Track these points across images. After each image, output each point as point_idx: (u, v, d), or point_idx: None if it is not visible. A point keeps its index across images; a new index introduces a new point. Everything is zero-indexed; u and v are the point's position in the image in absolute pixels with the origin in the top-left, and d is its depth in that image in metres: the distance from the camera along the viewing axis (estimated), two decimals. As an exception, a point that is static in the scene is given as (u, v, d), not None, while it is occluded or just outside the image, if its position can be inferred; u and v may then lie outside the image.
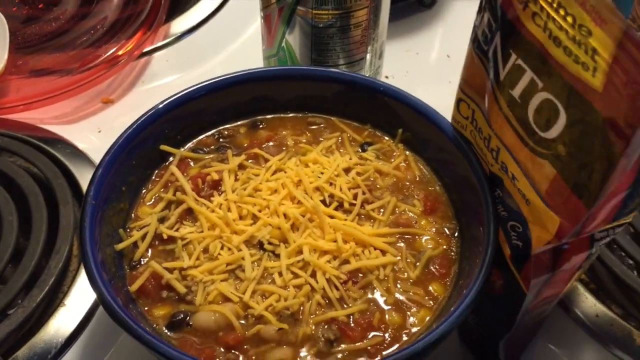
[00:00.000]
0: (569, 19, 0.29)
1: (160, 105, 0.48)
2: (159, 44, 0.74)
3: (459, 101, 0.44)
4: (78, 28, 0.72)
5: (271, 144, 0.51)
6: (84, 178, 0.59)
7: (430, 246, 0.46)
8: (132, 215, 0.47)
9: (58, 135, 0.64)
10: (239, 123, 0.53)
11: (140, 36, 0.71)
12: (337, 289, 0.42)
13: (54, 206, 0.56)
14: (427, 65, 0.74)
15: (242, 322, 0.41)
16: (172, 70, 0.72)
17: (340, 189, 0.47)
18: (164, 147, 0.49)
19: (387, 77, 0.71)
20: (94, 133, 0.66)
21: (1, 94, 0.66)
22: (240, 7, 0.78)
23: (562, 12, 0.29)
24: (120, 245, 0.44)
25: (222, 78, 0.50)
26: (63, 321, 0.50)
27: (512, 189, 0.40)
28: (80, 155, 0.62)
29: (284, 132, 0.52)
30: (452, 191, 0.48)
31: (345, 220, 0.46)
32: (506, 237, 0.42)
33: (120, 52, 0.69)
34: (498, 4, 0.34)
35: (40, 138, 0.63)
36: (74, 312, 0.51)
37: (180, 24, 0.77)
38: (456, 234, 0.47)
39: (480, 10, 0.37)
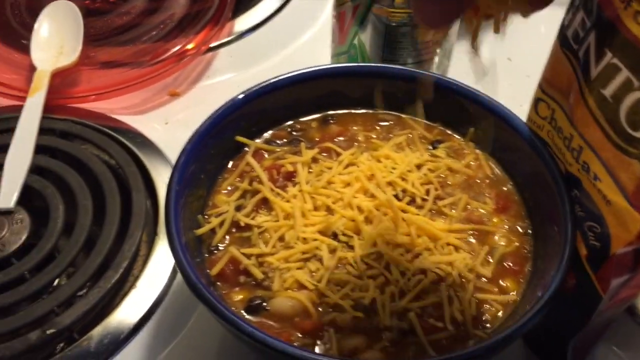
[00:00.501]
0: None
1: (239, 97, 0.49)
2: (224, 40, 0.76)
3: (537, 100, 0.44)
4: (148, 22, 0.74)
5: (342, 138, 0.52)
6: (154, 166, 0.61)
7: (502, 243, 0.46)
8: (210, 203, 0.48)
9: (128, 125, 0.66)
10: (310, 117, 0.54)
11: (207, 32, 0.73)
12: (410, 280, 0.43)
13: (127, 193, 0.58)
14: (488, 68, 0.74)
15: (319, 309, 0.42)
16: (235, 67, 0.74)
17: (413, 185, 0.48)
18: (239, 138, 0.51)
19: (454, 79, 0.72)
20: (161, 124, 0.68)
21: (74, 84, 0.68)
22: (304, 5, 0.80)
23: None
24: (200, 230, 0.46)
25: (298, 73, 0.51)
26: (135, 303, 0.52)
27: (591, 190, 0.41)
28: (149, 145, 0.64)
29: (354, 128, 0.53)
30: (524, 190, 0.49)
31: (418, 215, 0.46)
32: (583, 238, 0.42)
33: (188, 47, 0.71)
34: (595, 3, 0.34)
35: (111, 127, 0.65)
36: (145, 294, 0.52)
37: (245, 20, 0.78)
38: (529, 232, 0.47)
39: (571, 9, 0.37)
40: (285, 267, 0.44)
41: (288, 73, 0.51)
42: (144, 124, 0.67)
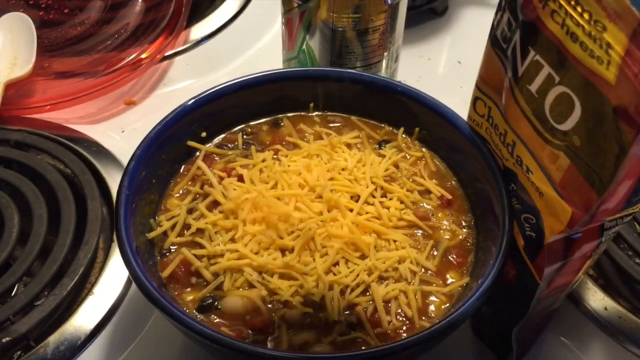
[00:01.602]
0: (586, 15, 0.31)
1: (188, 103, 0.50)
2: (180, 48, 0.76)
3: (475, 99, 0.46)
4: (102, 32, 0.74)
5: (291, 139, 0.54)
6: (109, 174, 0.61)
7: (447, 237, 0.48)
8: (162, 207, 0.49)
9: (83, 134, 0.66)
10: (261, 121, 0.55)
11: (162, 41, 0.74)
12: (358, 276, 0.44)
13: (82, 201, 0.58)
14: (438, 71, 0.76)
15: (269, 306, 0.43)
16: (192, 74, 0.75)
17: (359, 180, 0.49)
18: (190, 143, 0.52)
19: (400, 81, 0.73)
20: (117, 133, 0.68)
21: (28, 95, 0.68)
22: (258, 13, 0.81)
23: (579, 9, 0.32)
24: (152, 234, 0.46)
25: (246, 78, 0.52)
26: (91, 309, 0.52)
27: (526, 183, 0.43)
28: (105, 154, 0.64)
29: (304, 130, 0.55)
30: (467, 185, 0.51)
31: (367, 213, 0.48)
32: (520, 229, 0.44)
33: (142, 56, 0.72)
34: (518, 4, 0.36)
35: (67, 137, 0.65)
36: (101, 301, 0.53)
37: (200, 29, 0.79)
38: (472, 225, 0.49)
39: (499, 10, 0.39)
40: (235, 265, 0.45)
41: (236, 79, 0.52)
42: (101, 132, 0.67)
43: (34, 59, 0.68)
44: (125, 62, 0.71)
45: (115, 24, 0.76)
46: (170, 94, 0.73)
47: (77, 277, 0.52)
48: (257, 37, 0.78)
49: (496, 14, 0.41)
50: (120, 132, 0.68)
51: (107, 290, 0.53)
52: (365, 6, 0.53)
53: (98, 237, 0.55)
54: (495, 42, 0.41)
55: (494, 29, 0.41)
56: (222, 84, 0.52)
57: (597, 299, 0.53)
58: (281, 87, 0.54)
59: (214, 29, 0.79)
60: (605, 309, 0.52)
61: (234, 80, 0.52)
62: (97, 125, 0.69)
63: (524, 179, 0.42)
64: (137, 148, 0.47)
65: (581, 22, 0.32)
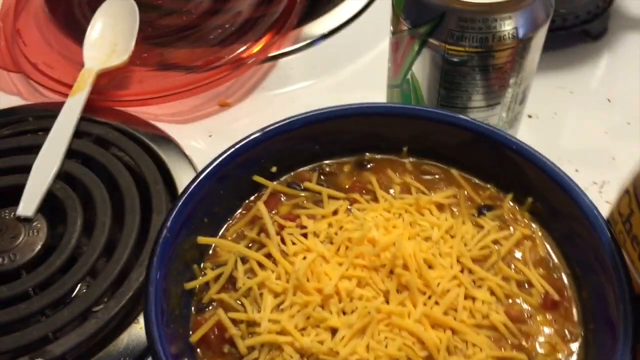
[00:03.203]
0: None
1: (257, 134, 0.44)
2: (287, 49, 0.70)
3: (625, 192, 0.35)
4: (208, 24, 0.70)
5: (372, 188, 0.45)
6: (183, 185, 0.57)
7: (542, 351, 0.38)
8: (211, 250, 0.43)
9: (169, 136, 0.62)
10: (344, 159, 0.47)
11: (268, 39, 0.67)
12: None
13: (149, 211, 0.54)
14: (580, 108, 0.63)
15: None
16: (293, 80, 0.68)
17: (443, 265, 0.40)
18: (256, 178, 0.45)
19: (530, 116, 0.62)
20: (204, 137, 0.63)
21: (121, 86, 0.65)
22: (376, 19, 0.72)
23: None
24: (190, 284, 0.40)
25: (329, 110, 0.45)
26: (137, 336, 0.48)
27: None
28: (185, 161, 0.59)
29: (391, 178, 0.46)
30: (582, 287, 0.40)
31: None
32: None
33: (244, 55, 0.66)
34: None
35: (151, 135, 0.61)
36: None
37: (313, 28, 0.72)
38: (579, 342, 0.38)
39: None
40: (275, 341, 0.38)
41: (317, 110, 0.44)
42: (187, 134, 0.63)
43: (132, 48, 0.65)
44: (226, 59, 0.66)
45: (223, 15, 0.70)
46: (268, 99, 0.67)
47: (124, 300, 0.48)
48: (371, 45, 0.70)
49: None
50: (207, 137, 0.63)
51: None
52: (487, 39, 0.43)
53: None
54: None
55: None
56: (301, 115, 0.44)
57: None
58: (371, 122, 0.46)
59: (328, 29, 0.71)
60: None
61: (313, 112, 0.44)
62: (185, 126, 0.64)
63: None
64: (190, 182, 0.42)
65: None
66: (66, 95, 0.63)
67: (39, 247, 0.52)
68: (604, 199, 0.54)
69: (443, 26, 0.44)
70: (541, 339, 0.38)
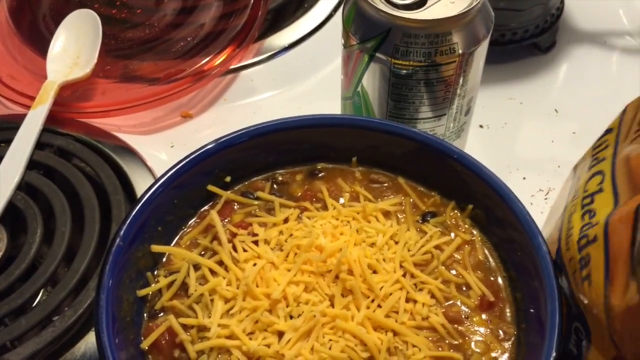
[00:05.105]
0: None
1: (211, 146, 0.45)
2: (249, 61, 0.72)
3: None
4: (171, 37, 0.71)
5: (322, 196, 0.47)
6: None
7: (478, 350, 0.40)
8: (165, 258, 0.44)
9: (130, 147, 0.63)
10: (296, 169, 0.49)
11: (230, 52, 0.69)
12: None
13: (109, 220, 0.55)
14: (529, 118, 0.66)
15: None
16: (256, 91, 0.70)
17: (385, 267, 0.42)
18: (211, 188, 0.47)
19: (481, 126, 0.64)
20: (166, 147, 0.65)
21: (84, 98, 0.66)
22: (337, 33, 0.74)
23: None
24: (142, 292, 0.42)
25: (282, 121, 0.46)
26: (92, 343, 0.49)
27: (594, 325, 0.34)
28: (146, 171, 0.61)
29: (341, 186, 0.48)
30: (517, 288, 0.42)
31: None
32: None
33: (206, 67, 0.68)
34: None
35: (112, 146, 0.62)
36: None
37: (274, 41, 0.74)
38: (512, 340, 0.40)
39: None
40: (224, 345, 0.39)
41: (269, 122, 0.46)
42: (149, 145, 0.64)
43: (95, 61, 0.66)
44: (188, 71, 0.67)
45: (185, 29, 0.72)
46: (230, 110, 0.68)
47: (81, 310, 0.49)
48: (330, 58, 0.71)
49: None
50: (169, 147, 0.65)
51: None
52: (431, 54, 0.45)
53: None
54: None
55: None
56: (252, 126, 0.46)
57: None
58: (322, 133, 0.47)
59: (288, 43, 0.73)
60: None
61: (264, 123, 0.46)
62: (147, 137, 0.66)
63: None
64: (145, 192, 0.43)
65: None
66: (29, 108, 0.64)
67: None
68: (549, 205, 0.56)
69: (389, 41, 0.46)
70: (477, 338, 0.40)
